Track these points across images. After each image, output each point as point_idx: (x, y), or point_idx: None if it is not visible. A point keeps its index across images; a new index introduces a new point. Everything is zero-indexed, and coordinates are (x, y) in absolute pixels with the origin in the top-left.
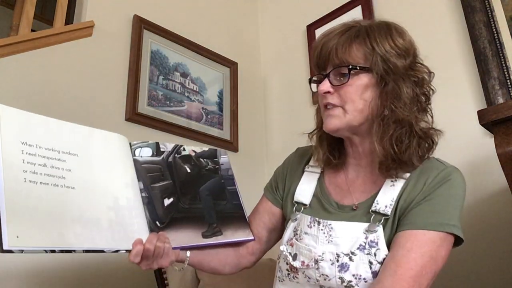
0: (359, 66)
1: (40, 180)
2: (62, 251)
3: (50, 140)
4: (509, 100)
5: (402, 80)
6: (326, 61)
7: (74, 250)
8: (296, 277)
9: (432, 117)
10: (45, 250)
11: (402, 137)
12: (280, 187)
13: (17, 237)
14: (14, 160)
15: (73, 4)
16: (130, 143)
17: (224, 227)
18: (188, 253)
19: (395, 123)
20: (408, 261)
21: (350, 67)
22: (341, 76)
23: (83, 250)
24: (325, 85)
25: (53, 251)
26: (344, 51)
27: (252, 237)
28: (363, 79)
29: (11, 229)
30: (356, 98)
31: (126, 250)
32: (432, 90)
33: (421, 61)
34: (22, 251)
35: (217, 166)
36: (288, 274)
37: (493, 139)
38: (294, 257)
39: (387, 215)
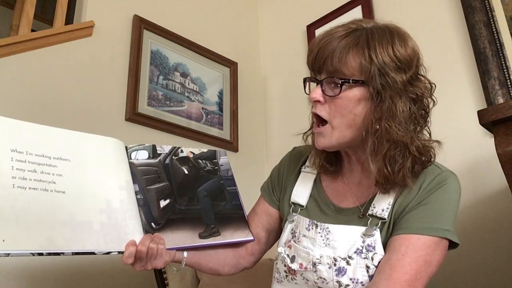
0: (352, 80)
1: (29, 185)
2: (50, 254)
3: (41, 146)
4: (509, 100)
5: (399, 96)
6: (321, 66)
7: (62, 253)
8: (294, 279)
9: (429, 132)
10: (32, 253)
11: (396, 157)
12: (277, 188)
13: (3, 241)
14: (3, 167)
15: (73, 4)
16: (126, 147)
17: (222, 227)
18: (185, 253)
19: (389, 141)
20: (403, 265)
21: (343, 80)
22: (334, 85)
23: (72, 253)
24: (317, 93)
25: (40, 254)
26: (340, 59)
27: (252, 238)
28: (356, 92)
29: None
30: (346, 112)
31: (119, 252)
32: (434, 101)
33: (423, 73)
34: (8, 254)
35: (216, 167)
36: (286, 275)
37: (493, 139)
38: (292, 259)
39: (384, 219)
